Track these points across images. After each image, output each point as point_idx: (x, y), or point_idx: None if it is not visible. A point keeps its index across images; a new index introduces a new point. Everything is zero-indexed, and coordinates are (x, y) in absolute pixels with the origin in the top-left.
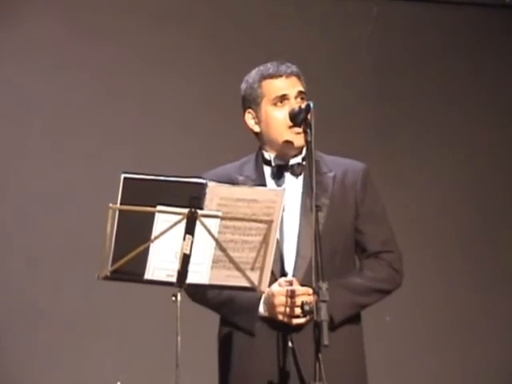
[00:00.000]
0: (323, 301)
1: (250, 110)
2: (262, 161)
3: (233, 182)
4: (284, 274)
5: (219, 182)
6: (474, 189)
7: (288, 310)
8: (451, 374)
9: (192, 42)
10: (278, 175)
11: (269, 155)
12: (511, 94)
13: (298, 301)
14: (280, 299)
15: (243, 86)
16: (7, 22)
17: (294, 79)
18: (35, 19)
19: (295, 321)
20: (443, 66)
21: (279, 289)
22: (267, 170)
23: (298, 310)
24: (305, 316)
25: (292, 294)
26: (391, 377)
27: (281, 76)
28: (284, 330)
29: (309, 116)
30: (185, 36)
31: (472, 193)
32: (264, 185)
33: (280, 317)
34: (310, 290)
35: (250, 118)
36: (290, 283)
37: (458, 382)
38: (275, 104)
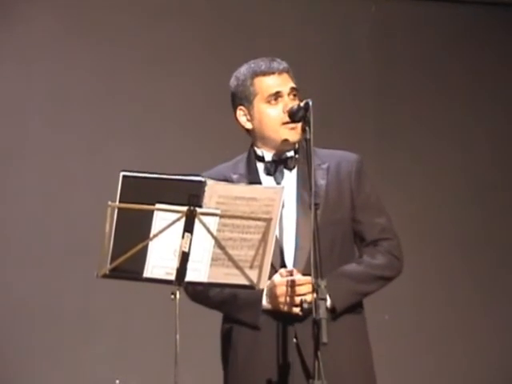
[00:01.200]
0: (322, 299)
1: (241, 107)
2: (254, 157)
3: (227, 181)
4: (284, 267)
5: None
6: (474, 188)
7: (289, 299)
8: (450, 373)
9: (192, 42)
10: (272, 170)
11: (261, 151)
12: (511, 93)
13: (300, 290)
14: (282, 289)
15: (233, 82)
16: (7, 21)
17: (285, 76)
18: (35, 18)
19: (295, 310)
20: (443, 65)
21: (281, 279)
22: (260, 166)
23: (298, 300)
24: (304, 314)
25: (292, 284)
26: (390, 376)
27: (273, 73)
28: (288, 324)
29: (308, 114)
30: (185, 35)
31: (472, 192)
32: (258, 181)
33: (282, 307)
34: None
35: (241, 115)
36: (291, 273)
37: (458, 381)
38: (269, 102)
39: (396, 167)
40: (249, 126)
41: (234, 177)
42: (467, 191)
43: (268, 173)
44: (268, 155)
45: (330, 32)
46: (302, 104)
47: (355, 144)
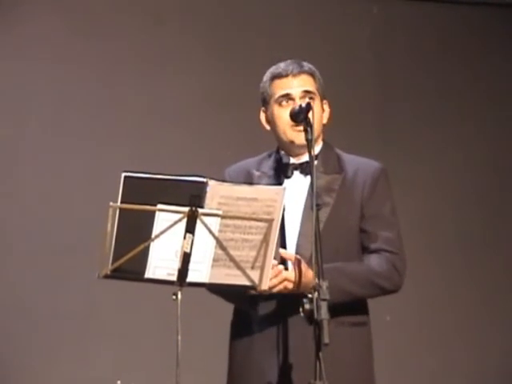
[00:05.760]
0: (323, 299)
1: (263, 109)
2: (279, 158)
3: (250, 177)
4: (286, 270)
5: (238, 176)
6: (476, 188)
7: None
8: (451, 373)
9: (193, 42)
10: (287, 173)
11: (282, 153)
12: None
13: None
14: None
15: (260, 85)
16: (7, 21)
17: (303, 78)
18: (36, 19)
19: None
20: (444, 65)
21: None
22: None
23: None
24: (305, 314)
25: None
26: (391, 376)
27: (287, 76)
28: (284, 328)
29: (309, 115)
30: (186, 35)
31: (473, 192)
32: (279, 182)
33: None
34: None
35: (263, 117)
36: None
37: (458, 382)
38: (280, 103)
39: (397, 168)
40: (267, 127)
41: (257, 174)
42: (469, 191)
43: (284, 175)
44: (285, 157)
45: (332, 33)
46: (303, 105)
47: (356, 144)
